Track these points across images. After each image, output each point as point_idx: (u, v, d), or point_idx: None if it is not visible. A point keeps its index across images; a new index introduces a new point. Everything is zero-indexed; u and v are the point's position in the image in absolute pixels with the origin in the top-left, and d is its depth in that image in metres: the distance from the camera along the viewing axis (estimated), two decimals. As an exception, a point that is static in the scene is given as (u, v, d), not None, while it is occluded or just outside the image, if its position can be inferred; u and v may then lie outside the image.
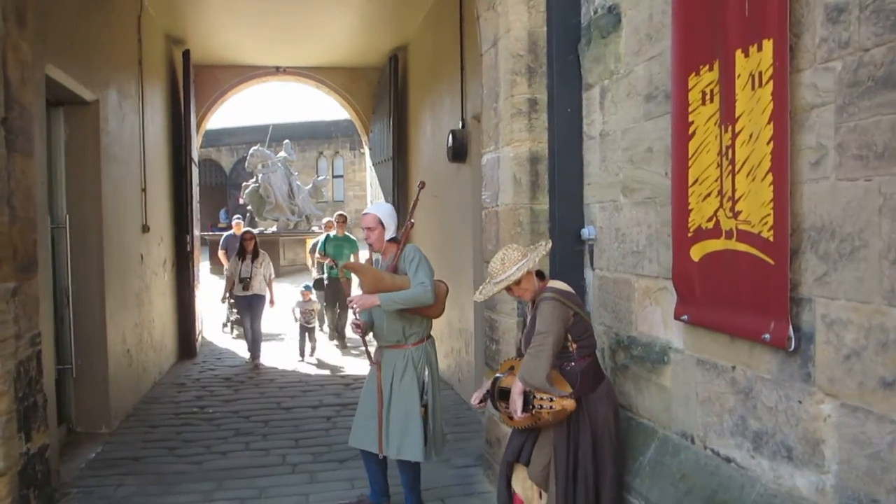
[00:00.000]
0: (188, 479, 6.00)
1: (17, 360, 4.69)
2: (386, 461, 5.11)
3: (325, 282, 11.58)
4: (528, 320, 4.08)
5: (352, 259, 11.21)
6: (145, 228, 9.06)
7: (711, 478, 3.38)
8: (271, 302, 10.63)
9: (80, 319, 7.00)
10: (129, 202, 8.47)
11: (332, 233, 11.62)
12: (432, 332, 5.11)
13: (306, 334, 11.03)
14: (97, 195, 7.23)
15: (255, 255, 10.47)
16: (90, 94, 7.10)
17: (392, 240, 4.95)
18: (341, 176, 35.05)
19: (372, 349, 5.16)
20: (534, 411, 3.72)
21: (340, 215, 11.62)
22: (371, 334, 5.11)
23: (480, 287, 4.12)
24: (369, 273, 4.78)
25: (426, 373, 4.86)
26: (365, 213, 4.99)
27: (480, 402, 4.25)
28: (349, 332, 11.33)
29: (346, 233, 11.57)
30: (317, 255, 11.90)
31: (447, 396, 8.51)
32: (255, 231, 16.54)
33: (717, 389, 3.38)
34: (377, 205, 5.16)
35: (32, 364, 4.94)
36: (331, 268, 11.27)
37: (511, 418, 3.93)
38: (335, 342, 11.80)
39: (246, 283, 10.39)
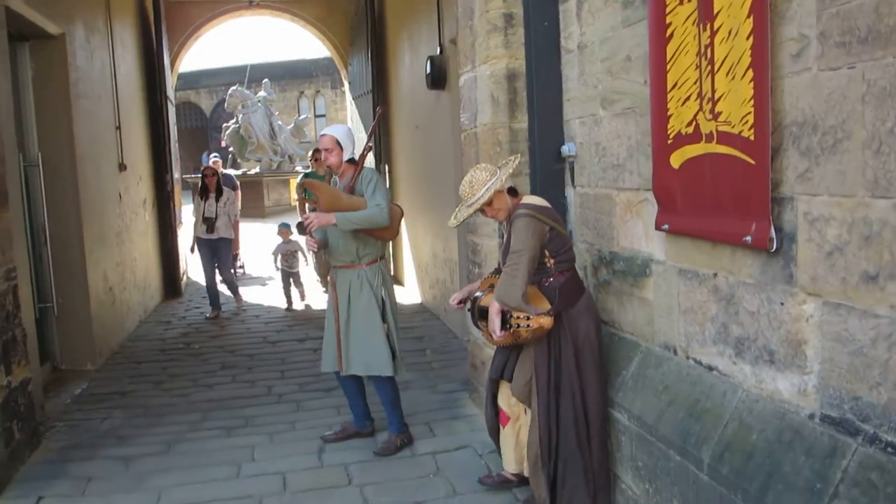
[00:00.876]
0: (174, 410, 5.99)
1: (-8, 295, 4.60)
2: (363, 386, 5.10)
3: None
4: (504, 239, 4.02)
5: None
6: (122, 167, 8.89)
7: (694, 387, 3.35)
8: (235, 246, 9.70)
9: (58, 258, 6.89)
10: (104, 140, 8.28)
11: (312, 170, 10.69)
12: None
13: (290, 280, 9.96)
14: (69, 132, 7.05)
15: (219, 194, 9.35)
16: (55, 27, 6.87)
17: (350, 161, 4.89)
18: (323, 115, 34.63)
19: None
20: (512, 330, 3.68)
21: (318, 151, 11.09)
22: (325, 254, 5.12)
23: (454, 213, 4.05)
24: (326, 191, 4.74)
25: (382, 291, 4.86)
26: (322, 135, 4.93)
27: (459, 303, 4.23)
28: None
29: (236, 171, 10.77)
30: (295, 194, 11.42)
31: (434, 326, 8.52)
32: (236, 172, 15.78)
33: (699, 298, 3.33)
34: (333, 126, 5.11)
35: (9, 298, 4.86)
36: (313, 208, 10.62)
37: (492, 337, 3.90)
38: (324, 289, 10.97)
39: (210, 223, 9.27)
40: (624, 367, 3.91)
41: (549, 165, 4.68)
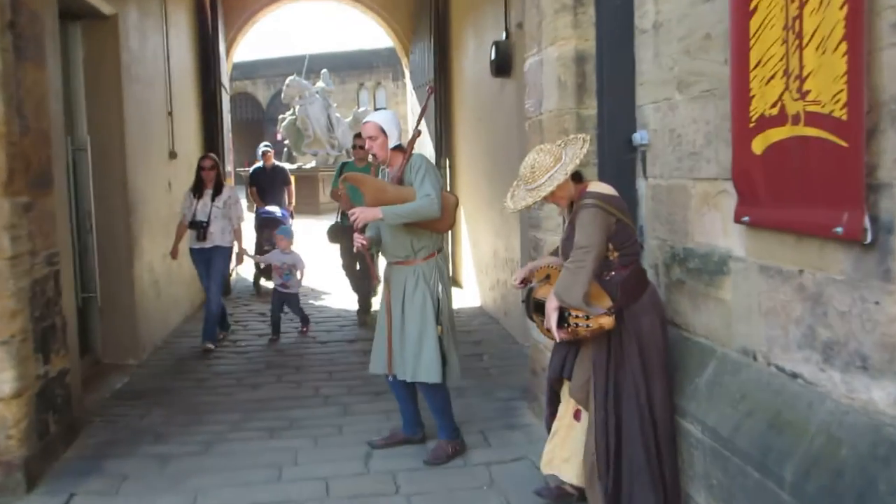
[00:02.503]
0: (217, 409, 6.05)
1: (33, 279, 4.70)
2: (415, 390, 5.05)
3: (341, 230, 8.69)
4: (565, 226, 3.94)
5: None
6: (173, 155, 9.05)
7: (776, 396, 3.22)
8: (239, 257, 7.98)
9: (104, 246, 7.04)
10: (155, 126, 8.44)
11: (351, 160, 9.05)
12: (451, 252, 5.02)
13: (284, 305, 8.42)
14: (119, 116, 7.20)
15: (217, 191, 7.74)
16: (108, 7, 7.02)
17: (397, 148, 4.84)
18: (384, 108, 34.87)
19: (381, 270, 5.11)
20: (569, 329, 3.62)
21: (360, 137, 8.83)
22: (377, 252, 5.08)
23: (511, 187, 3.97)
24: (371, 184, 4.71)
25: (439, 288, 4.79)
26: (365, 122, 4.89)
27: (521, 282, 4.17)
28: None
29: (292, 165, 9.52)
30: (330, 193, 9.66)
31: (493, 331, 8.46)
32: (291, 166, 15.46)
33: (782, 298, 3.20)
34: (376, 112, 5.07)
35: (50, 284, 4.95)
36: (345, 212, 8.09)
37: (549, 330, 3.84)
38: (356, 318, 9.19)
39: (201, 229, 7.63)
40: (697, 374, 3.79)
41: (618, 155, 4.58)
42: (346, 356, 7.62)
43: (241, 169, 23.70)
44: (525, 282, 4.15)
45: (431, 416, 5.04)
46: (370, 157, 4.91)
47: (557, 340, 3.75)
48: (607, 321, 3.56)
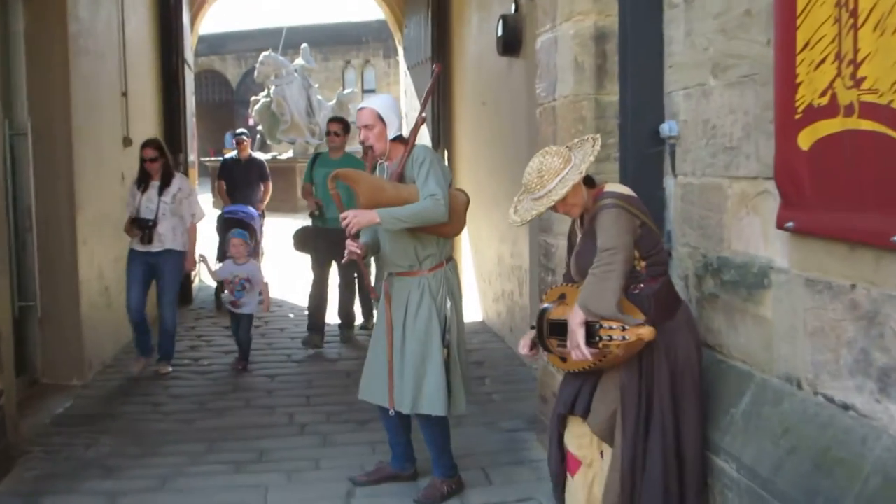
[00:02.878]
0: (174, 438, 6.06)
1: (-40, 287, 4.69)
2: (409, 419, 5.04)
3: (311, 235, 8.81)
4: (577, 238, 3.96)
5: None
6: (127, 142, 9.06)
7: (823, 431, 3.25)
8: (190, 262, 7.78)
9: (46, 247, 7.05)
10: (107, 108, 8.46)
11: (325, 150, 9.06)
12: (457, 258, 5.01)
13: (239, 324, 8.01)
14: (65, 96, 7.21)
15: (166, 183, 7.51)
16: (53, -30, 7.03)
17: (398, 139, 4.82)
18: (373, 90, 34.95)
19: (376, 280, 5.09)
20: (601, 345, 3.59)
21: (336, 122, 8.86)
22: (375, 261, 5.07)
23: (514, 200, 4.00)
24: (366, 182, 4.68)
25: (448, 305, 4.78)
26: (360, 109, 4.86)
27: (531, 349, 4.14)
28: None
29: (350, 150, 9.09)
30: (300, 189, 9.82)
31: (496, 350, 8.49)
32: (265, 156, 15.24)
33: (831, 317, 3.22)
34: (373, 97, 5.06)
35: (-20, 292, 4.95)
36: (314, 213, 8.67)
37: (564, 360, 3.84)
38: (315, 339, 8.83)
39: (146, 230, 7.40)
40: (732, 403, 3.81)
41: (643, 149, 4.61)
42: (326, 378, 7.63)
43: (207, 159, 23.74)
44: (534, 348, 4.10)
45: (426, 448, 5.04)
46: (367, 153, 4.88)
47: (576, 367, 3.73)
48: (647, 331, 3.52)
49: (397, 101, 5.02)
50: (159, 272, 7.58)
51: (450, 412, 4.82)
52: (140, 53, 9.97)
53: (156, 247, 7.46)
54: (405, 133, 4.91)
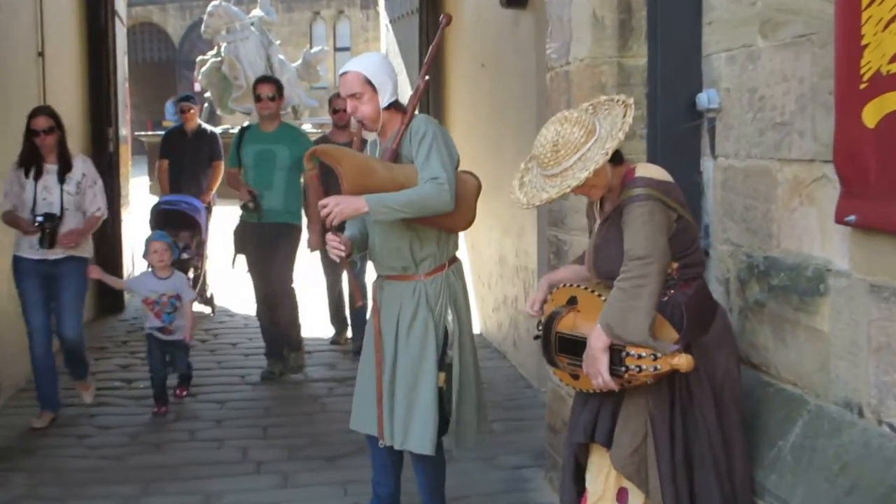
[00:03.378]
0: (103, 478, 6.08)
1: None
2: (402, 456, 5.07)
3: (251, 232, 8.34)
4: (597, 227, 3.96)
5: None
6: (43, 111, 9.08)
7: (888, 467, 3.29)
8: (91, 270, 7.29)
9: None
10: (18, 71, 8.49)
11: (254, 123, 8.96)
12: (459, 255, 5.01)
13: (166, 357, 7.58)
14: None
15: (66, 167, 7.04)
16: None
17: (394, 107, 4.79)
18: (347, 48, 34.98)
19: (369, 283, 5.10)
20: (626, 375, 3.62)
21: (266, 83, 8.65)
22: (363, 259, 5.07)
23: (521, 169, 3.99)
24: (351, 162, 4.61)
25: (450, 317, 4.79)
26: (342, 73, 4.81)
27: (539, 309, 4.17)
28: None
29: (289, 122, 9.14)
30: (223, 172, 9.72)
31: (497, 369, 8.52)
32: (213, 129, 15.00)
33: (900, 330, 3.27)
34: (358, 58, 4.98)
35: None
36: (247, 205, 8.24)
37: (576, 377, 3.85)
38: (276, 368, 8.44)
39: (47, 231, 6.84)
40: (780, 434, 3.86)
41: (677, 123, 4.66)
42: (287, 404, 7.67)
43: (144, 133, 23.77)
44: (541, 308, 4.14)
45: (417, 490, 5.08)
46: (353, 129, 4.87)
47: (614, 388, 3.72)
48: (684, 361, 3.53)
49: (389, 60, 5.00)
50: (59, 286, 7.03)
51: (454, 446, 4.87)
52: (60, 6, 9.98)
53: (56, 253, 6.92)
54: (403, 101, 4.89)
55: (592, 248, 3.98)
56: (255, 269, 8.39)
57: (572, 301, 3.94)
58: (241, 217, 8.40)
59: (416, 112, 4.85)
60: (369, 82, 4.70)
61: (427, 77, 4.98)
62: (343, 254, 4.73)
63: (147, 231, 9.69)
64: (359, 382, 5.05)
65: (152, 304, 7.38)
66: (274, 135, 8.21)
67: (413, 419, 4.74)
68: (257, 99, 8.39)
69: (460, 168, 4.93)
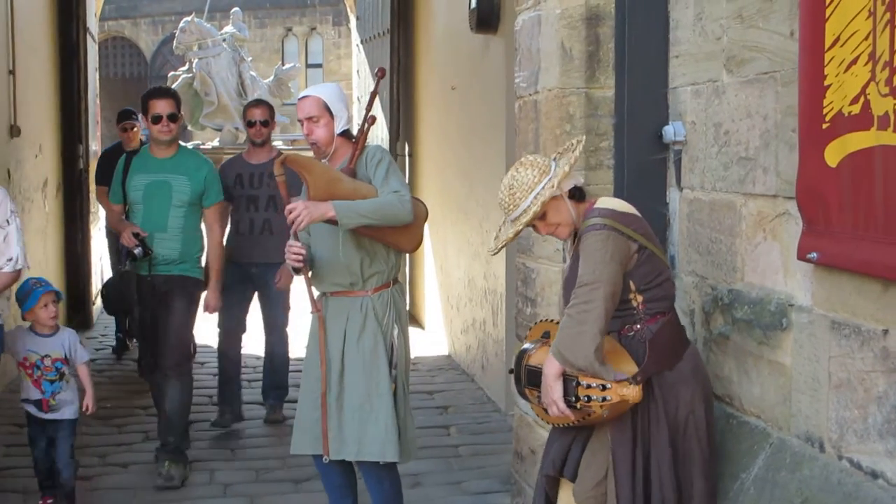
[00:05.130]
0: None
1: None
2: (355, 477, 5.09)
3: (134, 283, 6.40)
4: (568, 263, 4.01)
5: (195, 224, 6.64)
6: (14, 131, 9.04)
7: (849, 502, 3.31)
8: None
9: None
10: (-13, 89, 8.42)
11: (144, 146, 7.15)
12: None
13: (47, 440, 5.78)
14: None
15: None
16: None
17: (345, 135, 4.92)
18: (319, 65, 34.93)
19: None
20: (579, 405, 3.65)
21: (162, 97, 6.56)
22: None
23: (499, 227, 4.08)
24: (320, 171, 4.72)
25: (395, 332, 4.86)
26: (301, 97, 4.93)
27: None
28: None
29: (186, 144, 7.69)
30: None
31: (465, 391, 8.51)
32: (187, 146, 14.96)
33: (860, 367, 3.30)
34: (317, 86, 5.17)
35: None
36: (133, 254, 6.22)
37: (548, 411, 3.88)
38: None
39: None
40: (743, 466, 3.89)
41: (644, 154, 4.70)
42: (255, 426, 7.62)
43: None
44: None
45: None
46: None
47: (558, 421, 3.77)
48: (632, 392, 3.58)
49: (344, 92, 5.10)
50: None
51: (403, 458, 4.88)
52: (31, 21, 9.94)
53: None
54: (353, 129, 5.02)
55: (563, 285, 4.02)
56: (142, 336, 6.69)
57: (546, 335, 3.99)
58: (126, 267, 6.37)
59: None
60: (328, 108, 4.84)
61: (374, 114, 5.09)
62: (300, 261, 4.76)
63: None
64: (299, 403, 5.07)
65: (31, 368, 5.64)
66: (169, 163, 6.45)
67: (368, 429, 4.76)
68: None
69: (420, 191, 5.05)
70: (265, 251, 7.11)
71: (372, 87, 5.26)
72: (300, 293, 5.63)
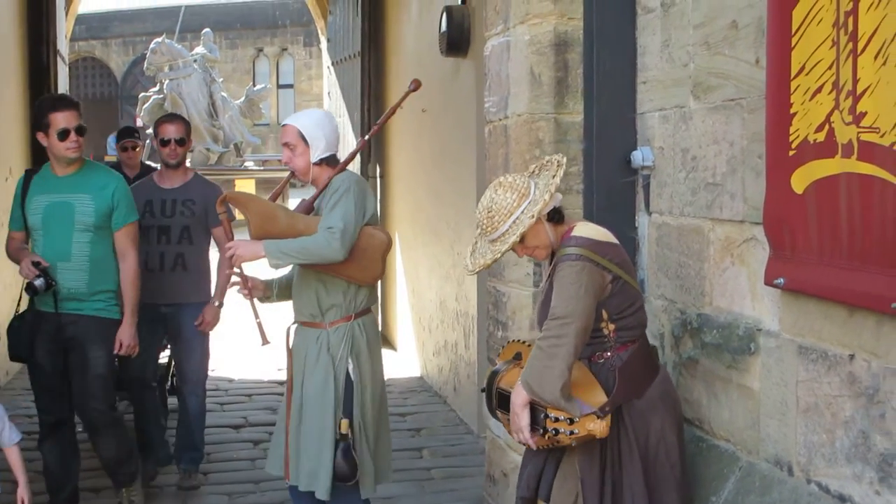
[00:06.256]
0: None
1: None
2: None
3: (36, 323, 5.64)
4: (543, 286, 4.01)
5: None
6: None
7: (816, 526, 3.34)
8: None
9: None
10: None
11: (45, 164, 5.84)
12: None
13: None
14: None
15: None
16: None
17: (326, 162, 4.89)
18: (290, 85, 34.98)
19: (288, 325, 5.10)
20: (547, 436, 3.66)
21: (67, 108, 5.52)
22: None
23: (473, 242, 4.06)
24: (256, 208, 4.76)
25: (349, 367, 4.84)
26: (283, 125, 4.99)
27: None
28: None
29: (94, 161, 6.29)
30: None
31: (437, 413, 8.50)
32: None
33: (826, 391, 3.32)
34: (302, 113, 5.18)
35: None
36: (33, 286, 5.42)
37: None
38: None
39: None
40: (713, 489, 3.90)
41: (613, 179, 4.72)
42: (230, 449, 7.59)
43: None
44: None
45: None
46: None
47: (532, 447, 3.78)
48: (598, 427, 3.57)
49: (332, 119, 5.11)
50: None
51: (364, 493, 4.88)
52: (3, 45, 9.92)
53: None
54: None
55: (538, 307, 4.02)
56: (44, 387, 5.75)
57: (518, 357, 4.00)
58: (31, 303, 5.68)
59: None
60: (303, 137, 4.83)
61: (367, 137, 5.12)
62: (248, 291, 4.89)
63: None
64: (277, 424, 5.16)
65: None
66: (71, 180, 5.60)
67: (319, 460, 4.78)
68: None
69: (391, 213, 5.02)
70: (177, 290, 6.36)
71: (388, 110, 5.19)
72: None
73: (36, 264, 5.35)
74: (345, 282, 4.83)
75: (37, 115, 5.55)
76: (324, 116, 5.07)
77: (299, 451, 4.84)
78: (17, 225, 5.70)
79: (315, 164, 4.86)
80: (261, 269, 4.95)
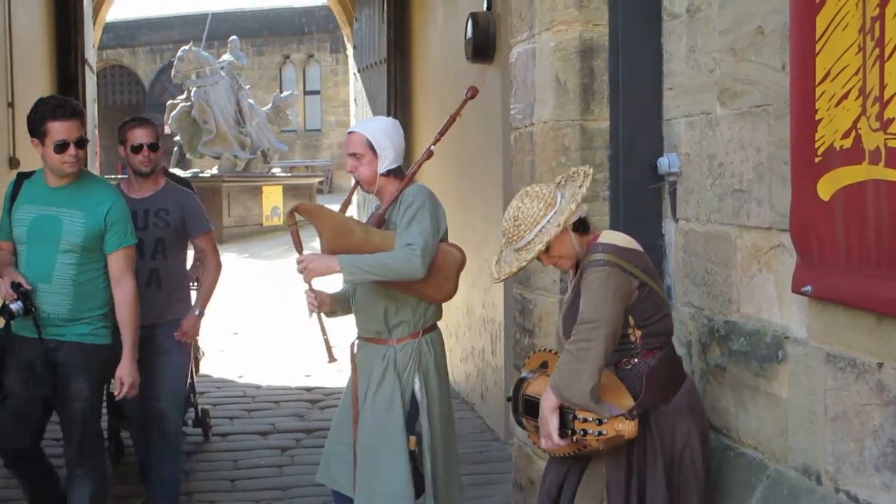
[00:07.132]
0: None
1: None
2: None
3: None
4: (567, 295, 4.01)
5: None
6: (14, 163, 9.06)
7: (845, 535, 3.32)
8: None
9: None
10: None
11: (39, 170, 5.24)
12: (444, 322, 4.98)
13: None
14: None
15: None
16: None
17: (393, 174, 4.79)
18: (317, 92, 35.05)
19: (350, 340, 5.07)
20: (575, 438, 3.66)
21: (60, 116, 4.83)
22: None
23: (500, 250, 4.07)
24: (330, 221, 4.66)
25: (416, 385, 4.77)
26: (349, 132, 4.91)
27: None
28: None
29: (184, 172, 6.64)
30: None
31: (464, 420, 8.47)
32: (184, 173, 15.03)
33: (855, 400, 3.31)
34: (367, 120, 5.05)
35: None
36: (9, 309, 4.83)
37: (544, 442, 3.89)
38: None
39: None
40: (742, 498, 3.89)
41: (639, 186, 4.71)
42: (257, 455, 7.59)
43: (113, 176, 23.64)
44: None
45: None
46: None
47: (560, 452, 3.77)
48: (628, 427, 3.57)
49: (399, 128, 5.00)
50: None
51: None
52: (31, 54, 9.99)
53: None
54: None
55: (562, 316, 4.02)
56: (12, 412, 5.05)
57: (544, 365, 4.01)
58: (7, 326, 5.08)
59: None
60: (371, 146, 4.72)
61: (433, 148, 5.05)
62: (315, 306, 4.79)
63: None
64: (331, 434, 5.06)
65: None
66: (63, 193, 4.97)
67: (381, 482, 4.71)
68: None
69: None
70: (152, 309, 5.54)
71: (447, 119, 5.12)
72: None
73: (16, 286, 4.78)
74: (415, 298, 4.73)
75: (33, 120, 4.86)
76: (392, 125, 4.98)
77: (362, 469, 4.77)
78: (5, 235, 5.08)
79: (383, 174, 4.76)
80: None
